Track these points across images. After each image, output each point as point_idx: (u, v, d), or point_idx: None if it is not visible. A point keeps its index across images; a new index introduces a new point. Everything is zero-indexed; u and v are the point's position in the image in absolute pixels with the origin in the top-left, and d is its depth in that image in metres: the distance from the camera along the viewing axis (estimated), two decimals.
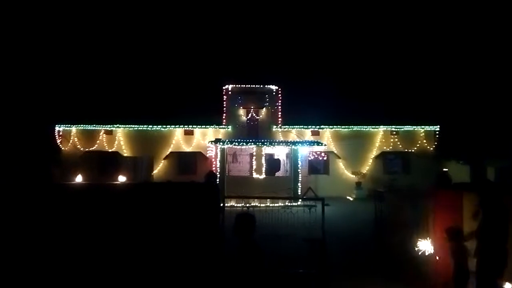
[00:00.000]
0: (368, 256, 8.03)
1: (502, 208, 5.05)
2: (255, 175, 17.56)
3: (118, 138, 21.34)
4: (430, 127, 21.76)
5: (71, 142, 21.10)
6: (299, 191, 17.39)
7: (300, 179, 17.60)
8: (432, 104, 22.40)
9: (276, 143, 18.37)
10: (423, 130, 21.82)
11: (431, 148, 21.63)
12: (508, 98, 21.33)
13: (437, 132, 21.75)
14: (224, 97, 21.42)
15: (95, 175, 15.63)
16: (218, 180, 15.46)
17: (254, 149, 17.87)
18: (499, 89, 22.33)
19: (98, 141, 21.22)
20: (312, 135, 21.42)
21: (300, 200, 16.67)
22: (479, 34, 26.03)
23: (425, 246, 6.11)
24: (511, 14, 25.69)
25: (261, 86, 21.33)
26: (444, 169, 17.56)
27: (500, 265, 4.98)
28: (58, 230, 5.15)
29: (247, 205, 9.32)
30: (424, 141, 21.72)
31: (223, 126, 21.35)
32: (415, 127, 21.79)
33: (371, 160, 21.59)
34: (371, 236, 8.14)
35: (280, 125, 21.41)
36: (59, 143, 21.13)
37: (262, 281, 3.58)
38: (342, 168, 21.42)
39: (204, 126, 21.38)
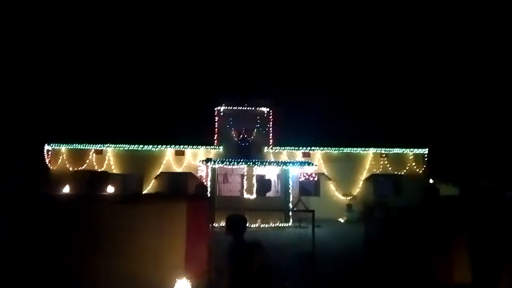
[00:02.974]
0: (356, 277, 7.92)
1: (494, 217, 5.04)
2: (246, 195, 17.46)
3: (108, 158, 21.22)
4: (419, 149, 22.08)
5: (60, 161, 20.91)
6: (290, 212, 17.26)
7: (291, 199, 17.58)
8: (421, 127, 22.83)
9: (267, 163, 18.39)
10: (412, 153, 22.10)
11: (420, 171, 21.85)
12: (495, 121, 21.88)
13: (426, 155, 22.06)
14: (216, 118, 21.57)
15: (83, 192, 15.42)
16: (208, 193, 15.44)
17: (245, 169, 17.84)
18: (487, 112, 22.91)
19: (87, 161, 21.08)
20: (303, 156, 21.56)
21: (291, 221, 16.71)
22: (465, 57, 26.91)
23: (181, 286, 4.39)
24: (493, 38, 26.68)
25: (253, 108, 21.58)
26: (431, 181, 17.66)
27: (495, 277, 4.95)
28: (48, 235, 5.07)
29: None
30: (414, 163, 21.96)
31: (215, 147, 21.38)
32: (405, 150, 22.08)
33: (361, 182, 21.69)
34: (360, 256, 8.08)
35: (271, 146, 21.52)
36: (48, 162, 20.94)
37: (252, 276, 3.55)
38: (332, 189, 21.44)
39: (196, 147, 21.39)
